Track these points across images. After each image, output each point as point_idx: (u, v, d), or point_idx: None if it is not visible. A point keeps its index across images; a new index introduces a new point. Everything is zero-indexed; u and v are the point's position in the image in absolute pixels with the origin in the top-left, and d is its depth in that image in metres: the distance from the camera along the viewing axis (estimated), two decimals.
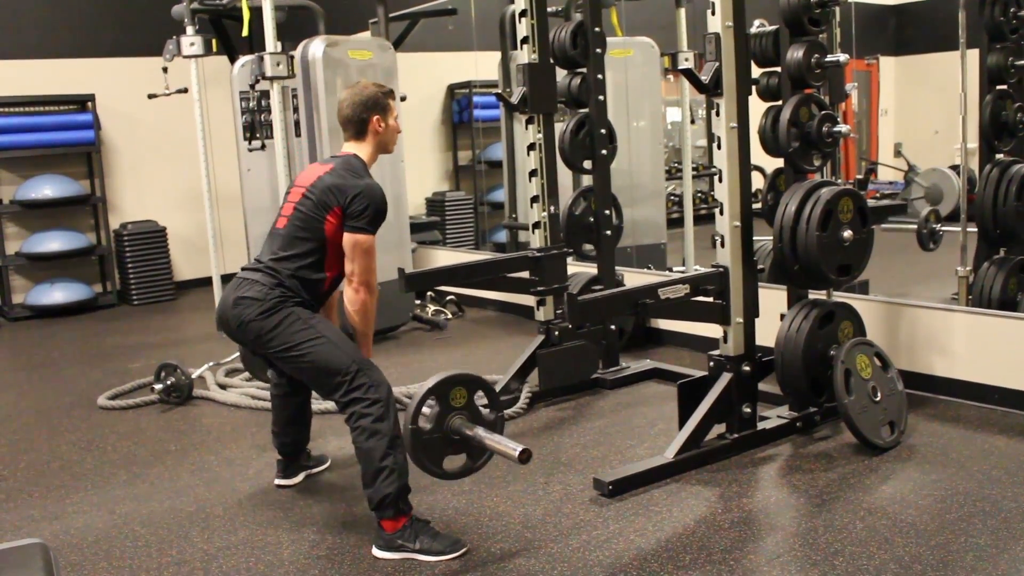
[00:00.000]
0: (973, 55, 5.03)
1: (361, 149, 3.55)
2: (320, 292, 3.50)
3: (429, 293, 7.31)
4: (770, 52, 4.16)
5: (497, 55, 7.96)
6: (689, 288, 3.96)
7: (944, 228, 5.39)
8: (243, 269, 3.50)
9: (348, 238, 3.37)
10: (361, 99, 3.50)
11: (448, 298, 7.32)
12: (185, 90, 7.11)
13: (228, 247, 8.08)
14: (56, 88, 8.37)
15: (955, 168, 9.15)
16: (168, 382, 5.23)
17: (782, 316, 4.20)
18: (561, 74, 5.03)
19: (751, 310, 4.06)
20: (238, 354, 5.84)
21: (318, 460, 4.10)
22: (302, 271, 3.41)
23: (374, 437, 3.20)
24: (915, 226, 5.22)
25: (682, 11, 7.10)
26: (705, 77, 3.88)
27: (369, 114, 3.50)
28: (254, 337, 3.40)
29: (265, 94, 6.48)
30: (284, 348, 3.34)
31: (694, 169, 8.00)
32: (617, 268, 5.34)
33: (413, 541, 3.21)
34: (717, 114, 3.92)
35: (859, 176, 10.47)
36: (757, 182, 4.49)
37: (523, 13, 4.80)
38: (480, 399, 3.16)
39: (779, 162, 4.24)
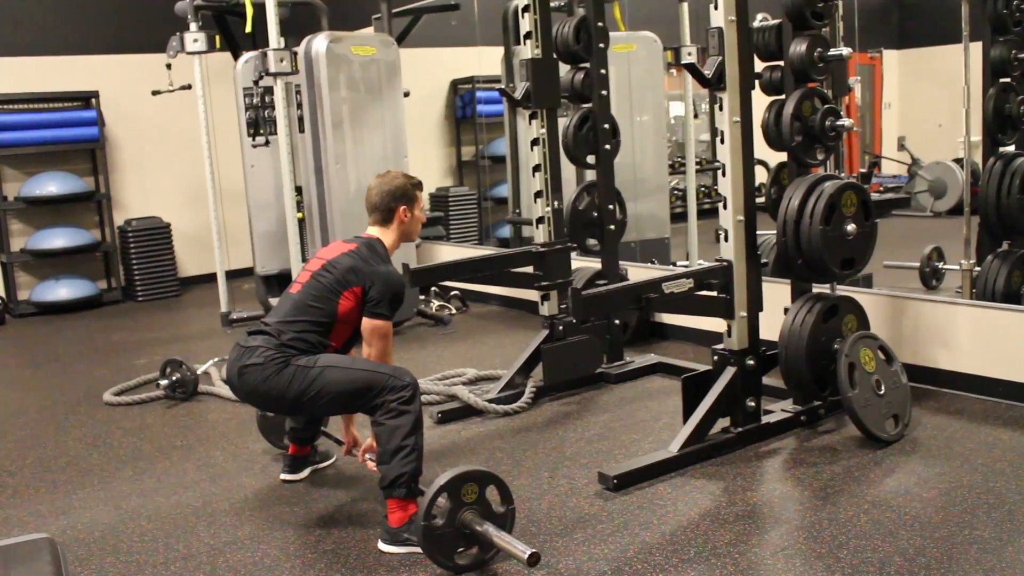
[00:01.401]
0: (976, 48, 5.03)
1: (385, 235, 3.60)
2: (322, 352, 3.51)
3: (433, 288, 7.32)
4: (773, 46, 4.16)
5: (500, 50, 7.96)
6: (693, 282, 3.96)
7: (946, 267, 5.41)
8: (247, 334, 3.49)
9: (367, 323, 3.44)
10: (390, 189, 3.57)
11: (452, 293, 7.33)
12: (189, 86, 7.13)
13: (232, 243, 8.10)
14: (60, 85, 8.38)
15: (959, 161, 9.13)
16: (173, 378, 5.25)
17: (786, 310, 4.21)
18: (564, 69, 5.03)
19: (755, 304, 4.06)
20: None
21: (324, 455, 4.11)
22: (307, 335, 3.42)
23: (401, 416, 3.23)
24: (919, 215, 5.23)
25: (685, 5, 7.10)
26: (708, 71, 3.87)
27: (397, 204, 3.57)
28: (268, 400, 3.43)
29: (269, 90, 6.50)
30: (299, 396, 3.32)
31: (697, 163, 7.99)
32: (621, 263, 5.35)
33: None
34: (720, 108, 3.92)
35: (863, 170, 10.47)
36: (760, 176, 4.49)
37: (526, 8, 4.80)
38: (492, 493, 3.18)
39: (782, 156, 4.24)
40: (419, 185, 3.67)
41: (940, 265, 5.36)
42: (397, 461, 3.21)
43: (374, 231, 3.61)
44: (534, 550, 2.86)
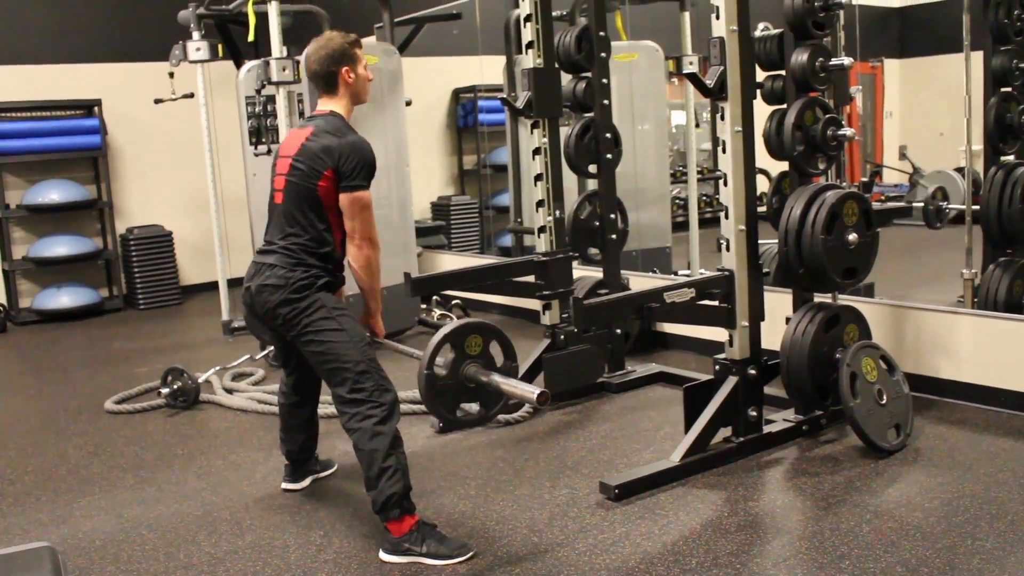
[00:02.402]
0: (978, 57, 5.04)
1: (336, 104, 3.49)
2: (336, 258, 3.48)
3: (435, 297, 7.32)
4: (775, 56, 4.17)
5: (502, 59, 7.97)
6: (694, 292, 3.96)
7: (949, 207, 5.33)
8: (258, 253, 3.48)
9: (345, 197, 3.35)
10: (327, 52, 3.43)
11: (454, 302, 7.33)
12: (191, 95, 7.14)
13: (234, 251, 8.10)
14: (63, 93, 8.39)
15: (960, 170, 9.13)
16: (175, 386, 5.24)
17: (787, 319, 4.21)
18: (566, 78, 5.04)
19: (756, 314, 4.06)
20: (245, 357, 5.86)
21: (325, 464, 4.11)
22: (312, 243, 3.38)
23: (376, 438, 3.21)
24: (921, 224, 5.21)
25: (686, 15, 7.11)
26: (710, 81, 3.88)
27: (337, 67, 3.44)
28: (282, 322, 3.40)
29: (271, 99, 6.49)
30: (305, 332, 3.34)
31: (699, 173, 8.00)
32: (622, 272, 5.35)
33: (420, 545, 3.21)
34: (722, 118, 3.93)
35: (864, 179, 10.48)
36: (762, 185, 4.49)
37: (528, 17, 4.81)
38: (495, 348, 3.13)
39: (784, 165, 4.25)
40: (356, 42, 3.50)
41: (944, 204, 5.26)
42: (384, 483, 3.20)
43: (324, 104, 3.50)
44: (543, 389, 2.82)
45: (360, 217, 3.37)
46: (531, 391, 2.82)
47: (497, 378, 2.94)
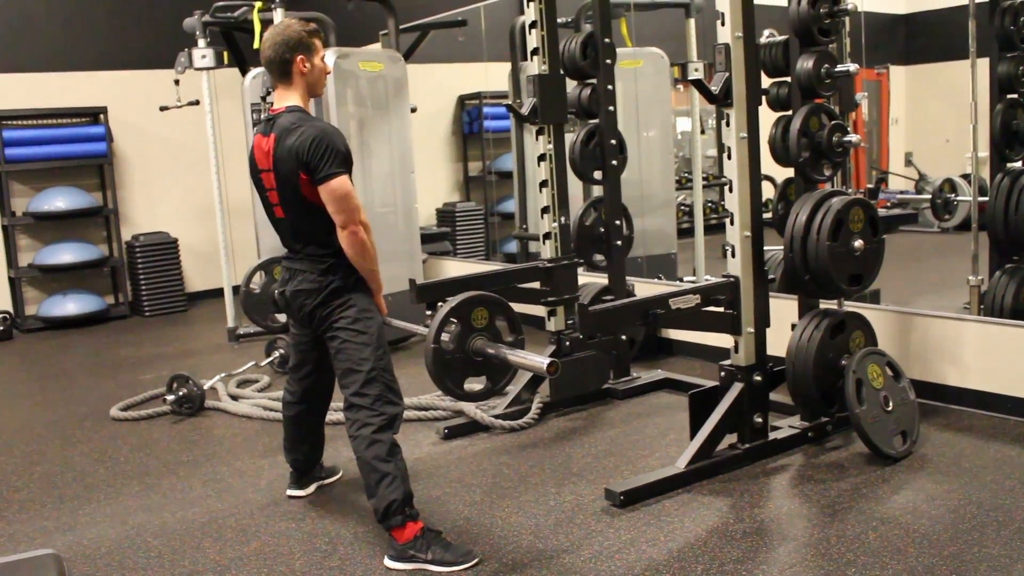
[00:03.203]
0: (984, 64, 5.03)
1: (291, 95, 3.37)
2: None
3: (440, 304, 7.31)
4: (780, 62, 4.17)
5: (507, 66, 7.97)
6: (700, 298, 3.96)
7: (958, 199, 5.27)
8: (287, 258, 3.49)
9: (322, 191, 3.22)
10: (283, 39, 3.32)
11: None
12: (197, 102, 7.16)
13: (239, 258, 8.11)
14: (69, 101, 8.43)
15: (966, 177, 9.12)
16: (180, 393, 5.25)
17: (793, 326, 4.20)
18: (571, 85, 5.04)
19: (762, 320, 4.06)
20: (250, 364, 5.86)
21: (330, 471, 4.10)
22: (329, 248, 3.36)
23: (375, 446, 3.23)
24: (927, 231, 5.21)
25: (692, 22, 7.12)
26: (715, 87, 3.88)
27: (292, 54, 3.32)
28: (318, 322, 3.42)
29: None
30: (331, 328, 3.36)
31: (704, 179, 7.99)
32: (628, 278, 5.34)
33: (425, 551, 3.21)
34: (727, 124, 3.93)
35: (870, 185, 10.46)
36: (767, 192, 4.49)
37: (533, 24, 4.81)
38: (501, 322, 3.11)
39: (789, 172, 4.24)
40: (316, 32, 3.39)
41: (952, 196, 5.25)
42: (383, 490, 3.21)
43: (280, 99, 3.38)
44: (552, 359, 2.80)
45: (341, 204, 3.24)
46: (540, 361, 2.80)
47: (505, 350, 2.91)
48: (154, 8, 8.80)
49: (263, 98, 6.56)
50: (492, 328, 2.98)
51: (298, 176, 3.26)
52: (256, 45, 6.55)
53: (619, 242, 5.15)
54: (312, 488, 3.99)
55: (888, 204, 10.46)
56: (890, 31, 11.61)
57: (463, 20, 8.10)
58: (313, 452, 3.94)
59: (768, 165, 4.11)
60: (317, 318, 3.42)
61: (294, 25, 3.37)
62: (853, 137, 4.01)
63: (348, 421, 3.32)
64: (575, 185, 5.23)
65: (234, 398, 5.43)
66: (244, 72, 7.31)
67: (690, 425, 4.00)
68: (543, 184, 4.95)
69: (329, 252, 3.37)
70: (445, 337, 2.90)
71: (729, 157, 3.93)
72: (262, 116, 6.28)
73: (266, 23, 6.36)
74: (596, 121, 5.01)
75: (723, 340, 4.19)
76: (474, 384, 2.99)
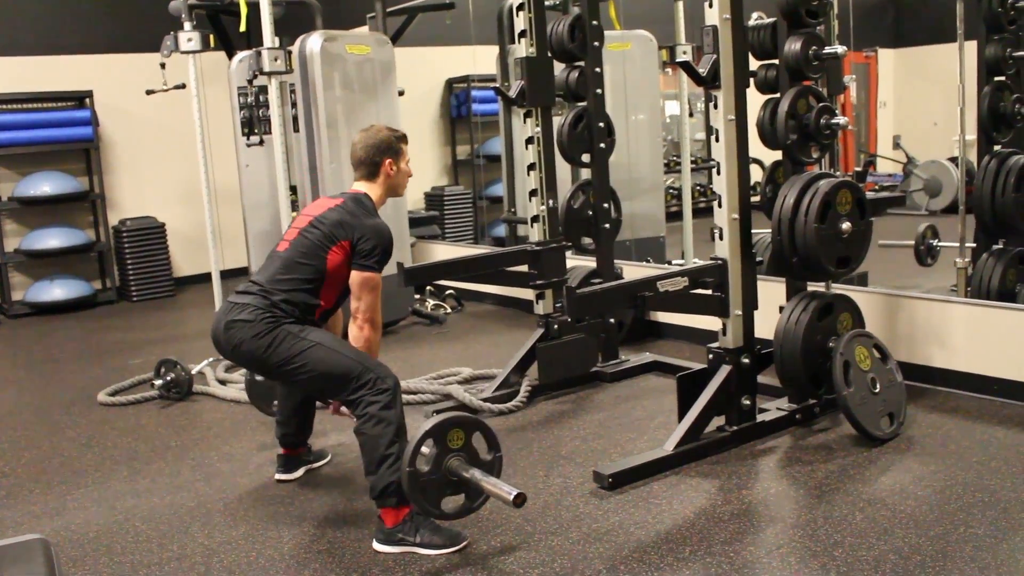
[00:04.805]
0: (971, 47, 5.03)
1: (371, 189, 3.58)
2: (311, 318, 3.49)
3: (428, 287, 7.31)
4: (768, 44, 4.16)
5: (495, 49, 7.94)
6: (688, 281, 3.96)
7: (940, 245, 5.40)
8: (236, 292, 3.50)
9: (356, 275, 3.42)
10: (375, 142, 3.56)
11: (447, 292, 7.32)
12: (183, 86, 7.10)
13: (227, 243, 8.08)
14: (54, 84, 8.36)
15: (954, 160, 9.14)
16: (168, 378, 5.24)
17: (781, 308, 4.20)
18: (559, 68, 5.02)
19: (750, 302, 4.06)
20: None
21: (318, 455, 4.10)
22: (297, 295, 3.41)
23: (381, 424, 3.22)
24: (915, 213, 5.23)
25: (680, 4, 7.09)
26: (703, 70, 3.87)
27: (382, 157, 3.55)
28: (250, 359, 3.43)
29: (263, 89, 6.48)
30: (281, 363, 3.34)
31: (693, 162, 7.98)
32: (616, 261, 5.34)
33: (413, 535, 3.21)
34: (715, 107, 3.92)
35: (858, 168, 10.49)
36: (756, 175, 4.49)
37: (520, 7, 4.79)
38: (478, 440, 3.17)
39: (777, 155, 4.24)
40: (403, 138, 3.63)
41: (935, 243, 5.30)
42: (384, 470, 3.20)
43: (360, 186, 3.59)
44: (520, 491, 2.85)
45: (367, 298, 3.42)
46: (508, 492, 2.86)
47: (477, 475, 3.00)
48: None
49: (249, 82, 6.53)
50: (468, 447, 3.04)
51: (336, 242, 3.42)
52: (243, 28, 6.52)
53: (607, 225, 5.15)
54: (300, 472, 3.99)
55: (876, 187, 10.49)
56: (879, 13, 11.61)
57: (451, 3, 8.06)
58: (302, 428, 3.93)
59: (756, 148, 4.11)
60: (248, 355, 3.40)
61: (384, 130, 3.59)
62: (841, 119, 4.01)
63: (352, 407, 3.31)
64: (563, 168, 5.22)
65: (222, 383, 5.42)
66: (230, 56, 7.26)
67: (678, 407, 4.01)
68: (531, 167, 4.94)
69: (286, 298, 3.38)
70: (424, 452, 2.97)
71: (717, 140, 3.93)
72: (247, 98, 6.28)
73: (252, 6, 6.31)
74: (584, 104, 5.00)
75: (711, 323, 4.19)
76: (449, 503, 3.08)
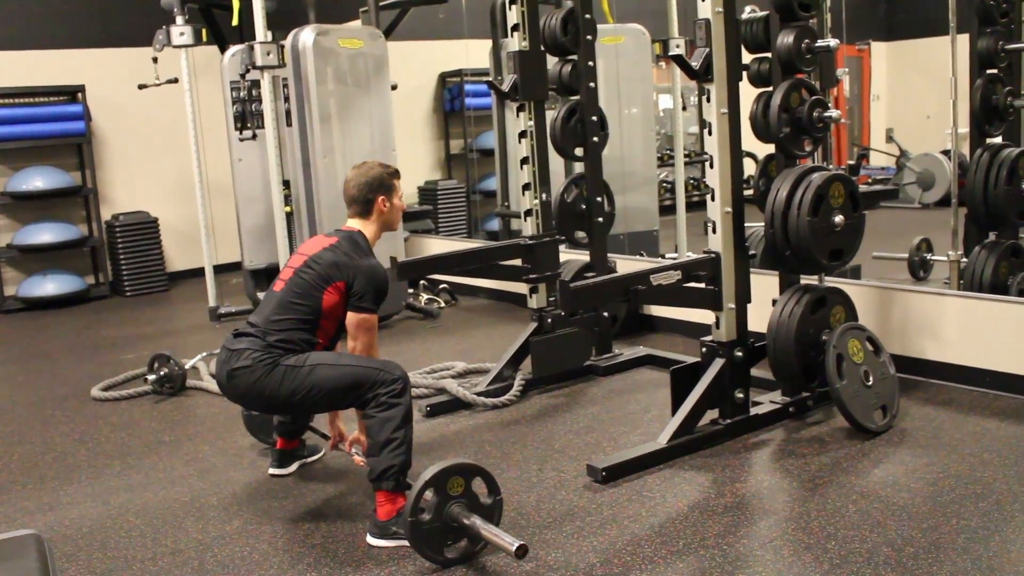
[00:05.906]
0: (964, 40, 5.04)
1: (366, 227, 3.58)
2: (309, 351, 3.47)
3: (422, 282, 7.31)
4: (761, 38, 4.16)
5: (488, 43, 7.94)
6: (681, 274, 3.96)
7: (934, 258, 5.43)
8: (233, 335, 3.48)
9: (353, 316, 3.43)
10: (367, 180, 3.56)
11: (441, 286, 7.32)
12: (175, 80, 7.10)
13: (220, 237, 8.07)
14: (46, 79, 8.33)
15: (946, 153, 9.16)
16: (161, 373, 5.23)
17: (774, 301, 4.21)
18: (552, 61, 5.02)
19: (743, 296, 4.07)
20: None
21: (312, 449, 4.10)
22: (293, 333, 3.40)
23: (391, 409, 3.24)
24: (908, 206, 5.25)
25: None
26: (696, 63, 3.87)
27: (375, 195, 3.55)
28: (261, 402, 3.44)
29: (256, 84, 6.47)
30: (291, 395, 3.33)
31: (686, 156, 7.99)
32: (609, 255, 5.35)
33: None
34: (708, 100, 3.92)
35: (851, 161, 10.49)
36: (749, 168, 4.49)
37: (513, 1, 4.79)
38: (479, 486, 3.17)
39: (770, 148, 4.24)
40: (396, 174, 3.65)
41: (928, 256, 5.37)
42: (387, 453, 3.21)
43: (354, 223, 3.59)
44: (522, 542, 2.86)
45: (362, 338, 3.44)
46: (510, 543, 2.86)
47: (478, 523, 3.00)
48: None
49: (242, 76, 6.52)
50: (469, 493, 3.05)
51: (331, 283, 3.42)
52: (235, 22, 6.51)
53: (601, 219, 5.15)
54: (294, 467, 3.99)
55: (869, 180, 10.51)
56: (871, 7, 11.62)
57: None
58: (301, 418, 3.93)
59: (749, 141, 4.11)
60: (257, 399, 3.42)
61: (377, 167, 3.61)
62: (833, 112, 4.01)
63: (366, 407, 3.30)
64: (556, 162, 5.22)
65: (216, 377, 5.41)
66: (223, 50, 7.25)
67: (672, 401, 4.01)
68: (524, 161, 4.94)
69: (279, 338, 3.37)
70: (423, 506, 2.99)
71: (710, 133, 3.93)
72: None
73: (244, 0, 6.31)
74: (577, 98, 5.00)
75: (705, 316, 4.19)
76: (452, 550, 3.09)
